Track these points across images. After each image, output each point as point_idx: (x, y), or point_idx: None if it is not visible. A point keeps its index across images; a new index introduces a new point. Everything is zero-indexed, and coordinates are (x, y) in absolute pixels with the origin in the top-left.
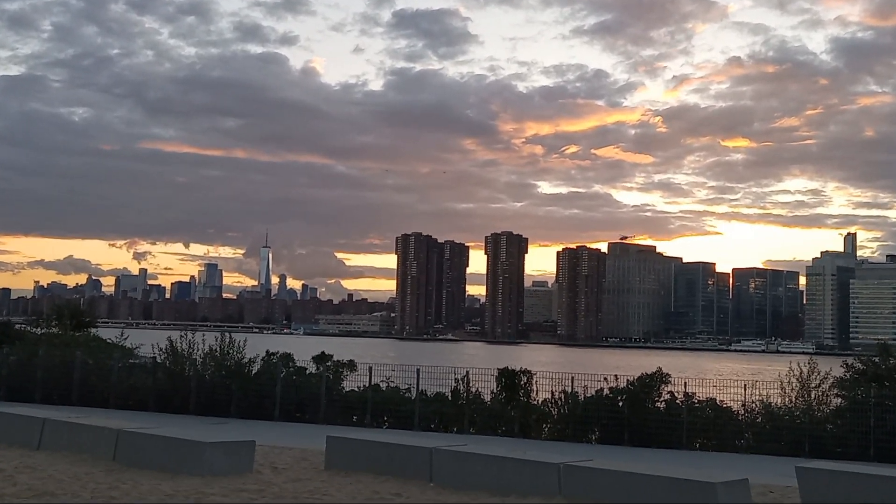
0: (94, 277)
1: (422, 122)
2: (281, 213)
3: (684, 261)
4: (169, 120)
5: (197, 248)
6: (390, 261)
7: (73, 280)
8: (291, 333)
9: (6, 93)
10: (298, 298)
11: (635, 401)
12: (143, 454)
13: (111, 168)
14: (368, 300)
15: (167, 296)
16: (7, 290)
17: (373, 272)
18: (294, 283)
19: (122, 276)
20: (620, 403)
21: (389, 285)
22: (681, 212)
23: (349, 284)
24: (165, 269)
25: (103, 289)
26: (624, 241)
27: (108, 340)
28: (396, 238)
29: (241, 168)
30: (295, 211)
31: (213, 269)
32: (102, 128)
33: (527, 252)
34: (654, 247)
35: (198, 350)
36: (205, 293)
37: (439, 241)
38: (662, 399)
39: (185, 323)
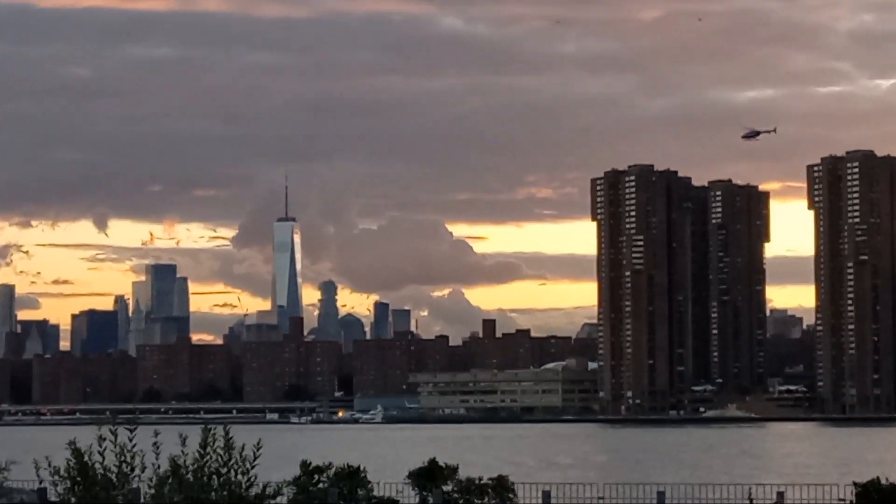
0: None
1: None
2: (317, 138)
3: None
4: None
5: (124, 230)
6: (577, 235)
7: None
8: (357, 421)
9: None
10: (368, 338)
11: None
12: None
13: None
14: (532, 332)
15: (64, 344)
16: None
17: (536, 265)
18: (353, 300)
19: None
20: None
21: (580, 295)
22: None
23: (484, 298)
24: (56, 281)
25: None
26: None
27: None
28: (592, 181)
29: (210, 34)
30: (347, 133)
31: (165, 278)
32: None
33: None
34: None
35: (141, 469)
36: (149, 331)
37: (694, 182)
38: None
39: (111, 407)
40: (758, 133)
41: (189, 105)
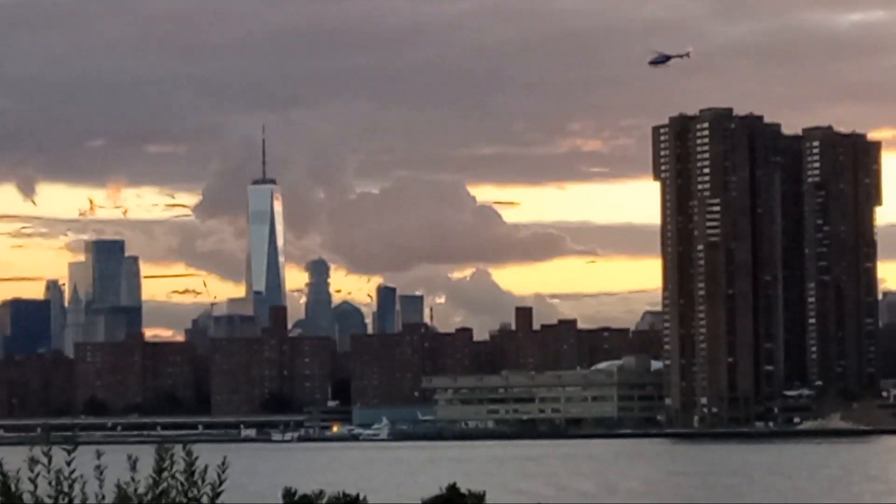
0: None
1: None
2: (302, 78)
3: None
4: None
5: (56, 197)
6: (635, 199)
7: None
8: (356, 438)
9: None
10: (369, 332)
11: None
12: None
13: None
14: (579, 323)
15: None
16: None
17: (584, 238)
18: (350, 284)
19: None
20: None
21: (639, 276)
22: None
23: (517, 280)
24: None
25: None
26: None
27: None
28: (654, 130)
29: None
30: (341, 70)
31: (110, 257)
32: None
33: None
34: None
35: (81, 499)
36: (91, 326)
37: (784, 130)
38: None
39: (44, 421)
40: (668, 58)
41: (137, 37)
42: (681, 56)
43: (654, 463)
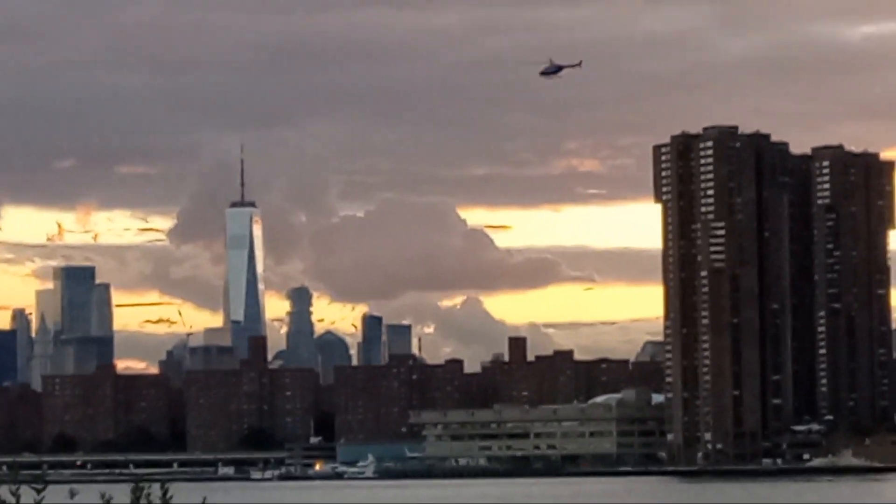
0: None
1: None
2: (283, 94)
3: None
4: None
5: (22, 220)
6: (635, 222)
7: None
8: (341, 476)
9: None
10: (354, 364)
11: None
12: None
13: None
14: (576, 354)
15: None
16: None
17: (580, 263)
18: (334, 313)
19: None
20: None
21: (639, 304)
22: None
23: (510, 308)
24: None
25: None
26: None
27: None
28: (655, 149)
29: None
30: (324, 86)
31: (80, 285)
32: None
33: None
34: None
35: None
36: (59, 358)
37: (792, 149)
38: None
39: (9, 459)
40: (559, 68)
41: (107, 50)
42: (573, 66)
43: (655, 502)
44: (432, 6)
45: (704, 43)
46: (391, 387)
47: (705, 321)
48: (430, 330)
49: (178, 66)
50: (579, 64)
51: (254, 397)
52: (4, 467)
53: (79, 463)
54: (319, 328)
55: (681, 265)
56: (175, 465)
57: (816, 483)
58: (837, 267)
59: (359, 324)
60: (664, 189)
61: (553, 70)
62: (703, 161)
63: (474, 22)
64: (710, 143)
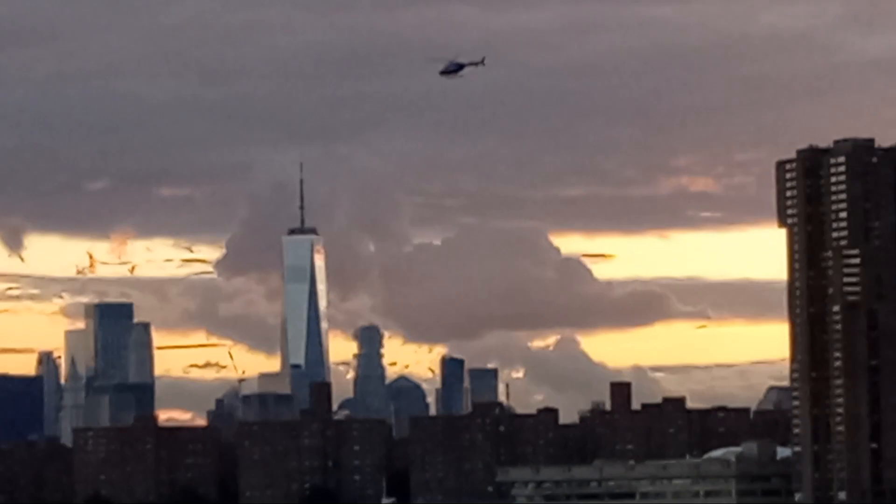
0: None
1: None
2: (347, 105)
3: None
4: None
5: (49, 251)
6: (756, 250)
7: None
8: None
9: None
10: (432, 413)
11: None
12: None
13: None
14: (688, 401)
15: None
16: None
17: (693, 297)
18: (408, 355)
19: None
20: None
21: (762, 343)
22: None
23: (612, 349)
24: None
25: None
26: None
27: None
28: (779, 165)
29: None
30: (394, 96)
31: (115, 324)
32: None
33: None
34: None
35: None
36: (93, 408)
37: None
38: None
39: None
40: (461, 66)
41: (145, 56)
42: (475, 64)
43: None
44: (521, 4)
45: (831, 43)
46: (475, 439)
47: (838, 363)
48: (518, 374)
49: (226, 73)
50: (482, 62)
51: (317, 452)
52: None
53: None
54: (391, 373)
55: (809, 299)
56: None
57: None
58: None
59: (437, 368)
60: (789, 212)
61: (454, 69)
62: (834, 179)
63: (569, 22)
64: (842, 159)
